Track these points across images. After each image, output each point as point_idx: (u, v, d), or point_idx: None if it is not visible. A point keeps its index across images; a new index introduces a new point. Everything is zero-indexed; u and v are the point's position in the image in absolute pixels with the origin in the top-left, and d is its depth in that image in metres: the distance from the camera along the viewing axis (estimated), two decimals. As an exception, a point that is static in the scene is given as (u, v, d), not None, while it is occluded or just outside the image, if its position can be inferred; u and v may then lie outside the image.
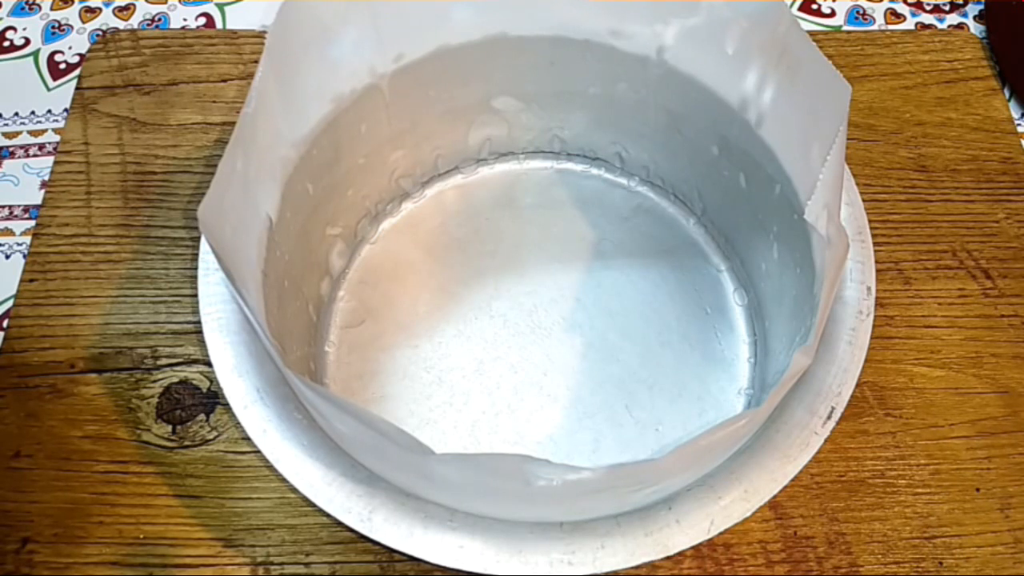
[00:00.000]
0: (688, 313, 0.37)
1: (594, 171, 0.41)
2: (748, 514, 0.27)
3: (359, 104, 0.33)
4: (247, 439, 0.28)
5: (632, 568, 0.26)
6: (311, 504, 0.27)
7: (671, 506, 0.27)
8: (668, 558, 0.26)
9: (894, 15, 0.48)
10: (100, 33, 0.46)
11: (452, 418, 0.35)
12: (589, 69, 0.36)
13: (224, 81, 0.43)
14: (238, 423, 0.28)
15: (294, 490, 0.27)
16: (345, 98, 0.33)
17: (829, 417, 0.28)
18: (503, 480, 0.24)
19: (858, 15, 0.48)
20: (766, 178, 0.33)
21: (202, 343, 0.31)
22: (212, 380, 0.36)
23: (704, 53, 0.32)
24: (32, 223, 0.40)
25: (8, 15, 0.47)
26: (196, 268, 0.31)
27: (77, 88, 0.42)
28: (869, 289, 0.31)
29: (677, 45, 0.33)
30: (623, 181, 0.41)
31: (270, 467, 0.28)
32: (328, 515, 0.27)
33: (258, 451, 0.28)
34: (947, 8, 0.48)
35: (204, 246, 0.31)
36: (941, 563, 0.33)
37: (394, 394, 0.35)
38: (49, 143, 0.43)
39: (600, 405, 0.35)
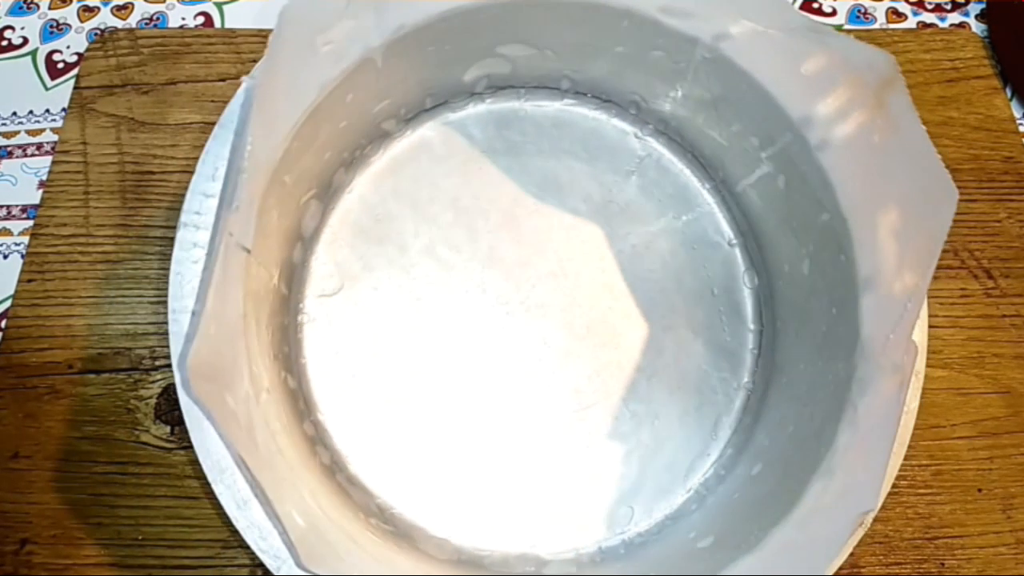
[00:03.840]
0: (695, 294, 0.35)
1: (604, 116, 0.37)
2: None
3: (350, 79, 0.31)
4: (246, 440, 0.28)
5: None
6: (310, 506, 0.27)
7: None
8: None
9: (895, 14, 0.48)
10: (98, 32, 0.46)
11: (437, 401, 0.33)
12: (623, 32, 0.32)
13: (223, 80, 0.43)
14: (237, 424, 0.28)
15: (293, 492, 0.27)
16: (334, 79, 0.30)
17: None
18: None
19: (859, 14, 0.48)
20: (811, 197, 0.30)
21: (201, 344, 0.30)
22: (211, 381, 0.35)
23: (773, 60, 0.30)
24: (30, 223, 0.40)
25: (6, 14, 0.46)
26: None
27: (75, 87, 0.42)
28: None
29: (741, 39, 0.30)
30: (636, 130, 0.37)
31: (269, 468, 0.28)
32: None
33: (257, 452, 0.27)
34: (948, 7, 0.48)
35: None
36: (943, 564, 0.33)
37: (374, 373, 0.34)
38: (47, 143, 0.43)
39: (596, 395, 0.34)
